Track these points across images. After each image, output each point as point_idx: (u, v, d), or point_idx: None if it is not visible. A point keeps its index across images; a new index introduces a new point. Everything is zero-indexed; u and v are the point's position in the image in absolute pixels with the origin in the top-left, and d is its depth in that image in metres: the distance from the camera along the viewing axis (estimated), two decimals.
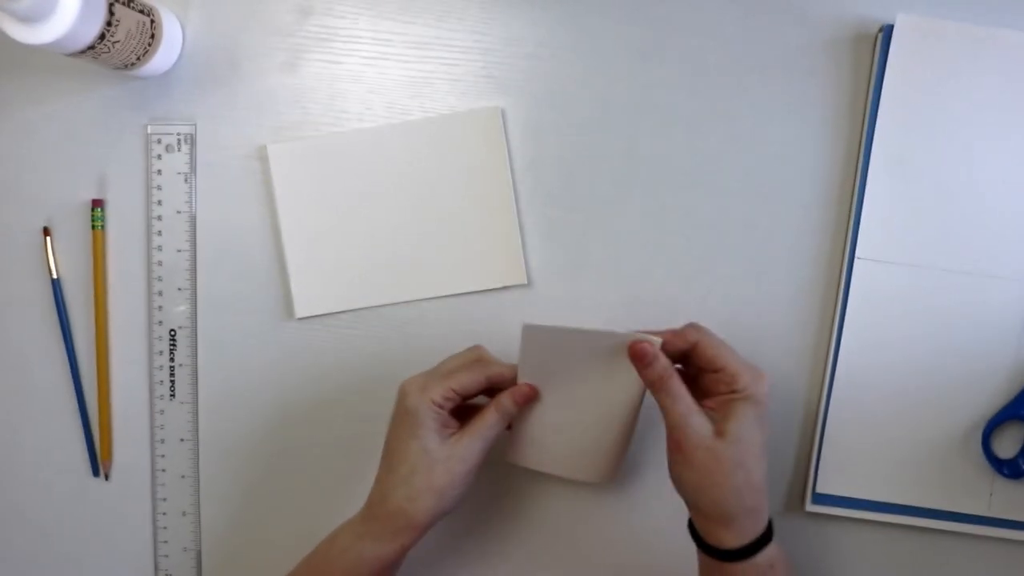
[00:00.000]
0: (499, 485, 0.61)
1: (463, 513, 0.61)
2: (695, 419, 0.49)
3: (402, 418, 0.52)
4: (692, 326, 0.52)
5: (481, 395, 0.54)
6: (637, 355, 0.49)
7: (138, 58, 0.57)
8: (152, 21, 0.57)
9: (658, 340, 0.50)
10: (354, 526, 0.53)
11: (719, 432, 0.49)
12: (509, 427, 0.55)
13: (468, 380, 0.52)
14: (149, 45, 0.57)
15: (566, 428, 0.54)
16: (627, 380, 0.51)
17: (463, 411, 0.54)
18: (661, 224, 0.60)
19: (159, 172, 0.62)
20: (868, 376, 0.58)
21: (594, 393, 0.52)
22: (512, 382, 0.53)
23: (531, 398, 0.53)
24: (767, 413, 0.50)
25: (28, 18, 0.49)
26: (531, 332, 0.51)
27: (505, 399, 0.53)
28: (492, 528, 0.62)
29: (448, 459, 0.51)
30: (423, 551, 0.58)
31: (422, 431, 0.51)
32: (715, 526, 0.50)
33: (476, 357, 0.54)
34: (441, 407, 0.51)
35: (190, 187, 0.61)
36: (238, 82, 0.61)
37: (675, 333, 0.52)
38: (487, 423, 0.52)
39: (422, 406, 0.51)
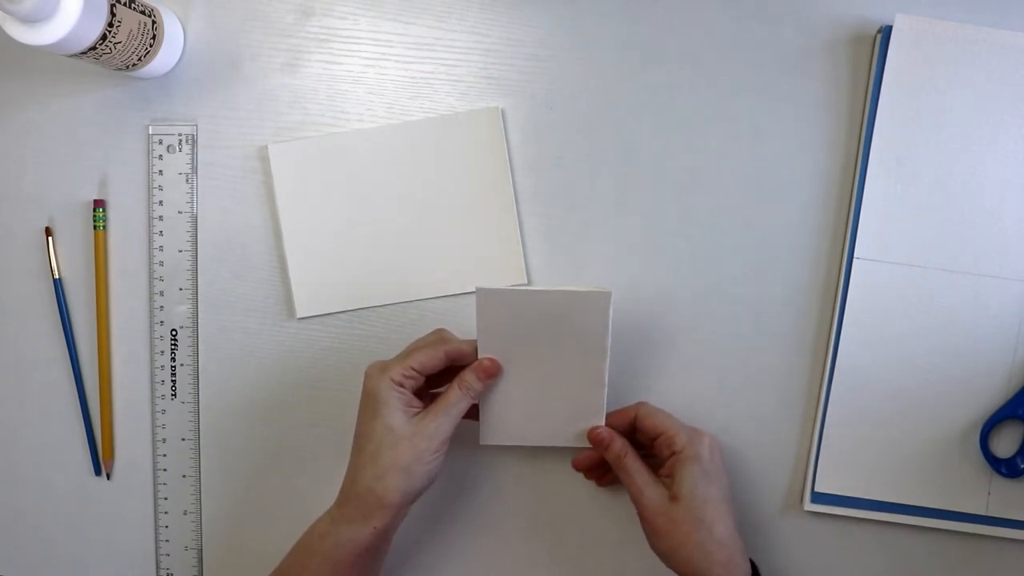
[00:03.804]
0: (483, 476, 0.61)
1: (450, 505, 0.61)
2: (650, 490, 0.54)
3: (366, 401, 0.53)
4: (628, 409, 0.57)
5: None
6: (596, 440, 0.56)
7: (139, 59, 0.57)
8: (153, 22, 0.57)
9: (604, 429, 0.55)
10: (330, 512, 0.54)
11: (673, 497, 0.53)
12: (475, 410, 0.56)
13: (425, 357, 0.53)
14: (150, 46, 0.57)
15: (541, 395, 0.55)
16: (593, 332, 0.53)
17: (432, 398, 0.54)
18: (661, 224, 0.60)
19: (160, 172, 0.62)
20: (867, 375, 0.58)
21: (561, 352, 0.54)
22: (474, 358, 0.54)
23: (493, 372, 0.54)
24: (717, 468, 0.55)
25: (30, 19, 0.49)
26: (486, 296, 0.52)
27: (467, 374, 0.54)
28: (484, 521, 0.62)
29: (413, 436, 0.52)
30: (412, 546, 0.59)
31: (385, 410, 0.52)
32: None
33: (437, 338, 0.55)
34: (401, 385, 0.52)
35: (191, 187, 0.62)
36: (239, 83, 0.61)
37: (620, 410, 0.57)
38: (450, 400, 0.53)
39: (382, 385, 0.52)
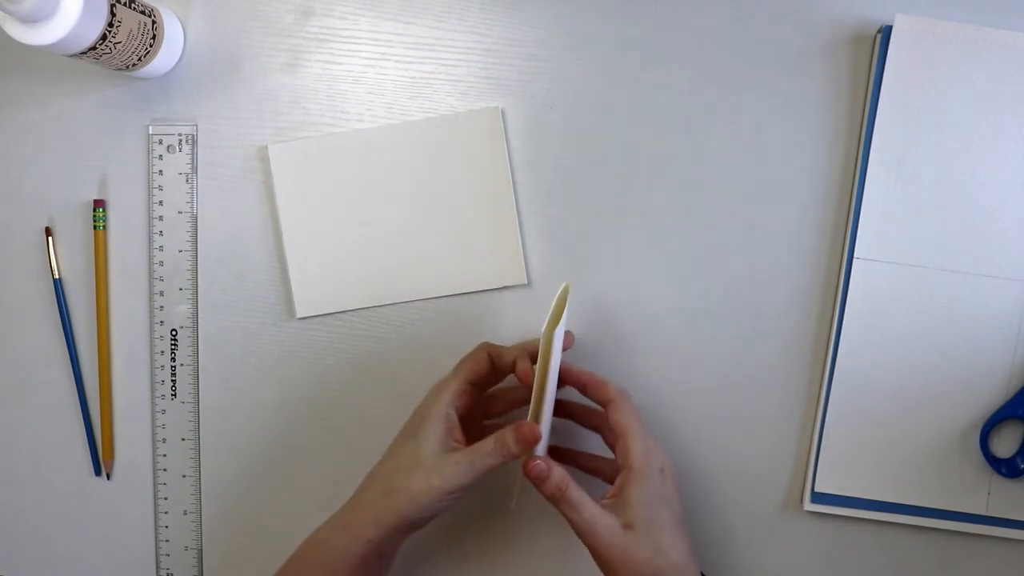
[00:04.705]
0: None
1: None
2: (600, 521, 0.49)
3: (414, 416, 0.53)
4: (619, 389, 0.53)
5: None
6: (532, 474, 0.50)
7: (139, 59, 0.57)
8: (153, 22, 0.57)
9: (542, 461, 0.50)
10: (333, 518, 0.53)
11: (626, 525, 0.49)
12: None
13: (472, 363, 0.53)
14: (150, 46, 0.57)
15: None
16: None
17: (481, 433, 0.52)
18: (661, 224, 0.60)
19: (160, 172, 0.62)
20: (867, 375, 0.58)
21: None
22: (507, 363, 0.53)
23: (532, 440, 0.50)
24: (670, 488, 0.51)
25: (30, 19, 0.49)
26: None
27: (508, 434, 0.50)
28: (485, 521, 0.62)
29: (431, 469, 0.50)
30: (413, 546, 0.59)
31: (422, 433, 0.51)
32: None
33: (480, 345, 0.55)
34: (454, 405, 0.52)
35: (191, 187, 0.62)
36: (239, 83, 0.61)
37: (599, 383, 0.53)
38: (482, 451, 0.50)
39: (433, 409, 0.52)
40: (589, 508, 0.49)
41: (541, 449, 0.51)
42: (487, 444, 0.50)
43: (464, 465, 0.50)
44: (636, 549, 0.49)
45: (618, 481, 0.51)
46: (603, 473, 0.57)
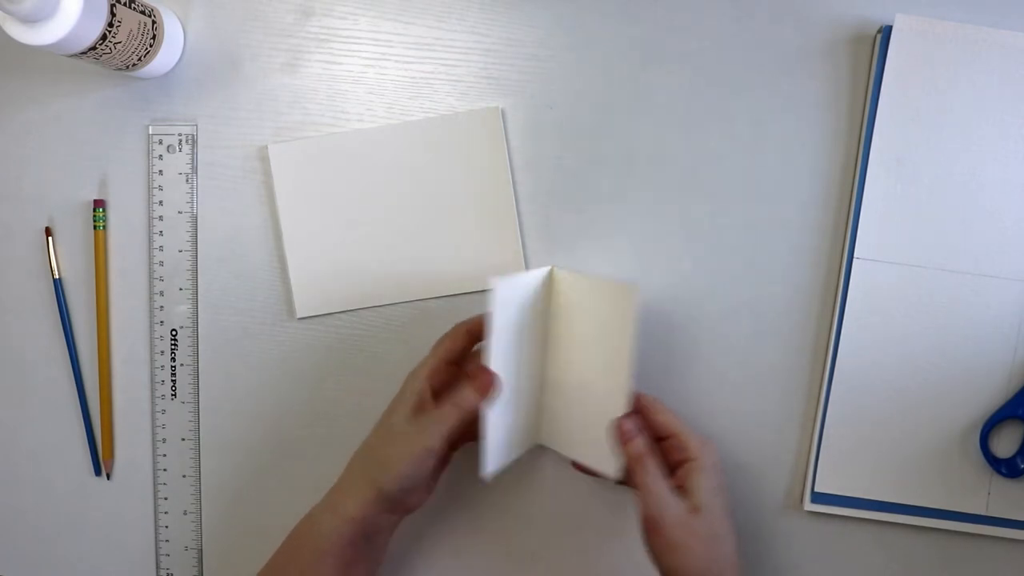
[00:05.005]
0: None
1: (451, 506, 0.61)
2: (670, 498, 0.50)
3: (393, 400, 0.54)
4: (644, 395, 0.54)
5: None
6: (621, 429, 0.52)
7: (139, 59, 0.57)
8: (153, 22, 0.57)
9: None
10: (323, 498, 0.54)
11: (692, 508, 0.50)
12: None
13: (448, 342, 0.54)
14: (150, 46, 0.57)
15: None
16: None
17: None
18: (661, 224, 0.60)
19: (160, 172, 0.62)
20: (867, 375, 0.58)
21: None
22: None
23: (489, 385, 0.51)
24: (722, 480, 0.53)
25: (30, 19, 0.49)
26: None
27: (466, 387, 0.51)
28: (486, 522, 0.62)
29: (400, 434, 0.52)
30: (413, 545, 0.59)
31: (397, 407, 0.53)
32: None
33: (458, 326, 0.56)
34: (432, 378, 0.53)
35: (191, 187, 0.62)
36: (239, 83, 0.61)
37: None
38: (443, 408, 0.51)
39: (408, 385, 0.53)
40: (663, 483, 0.51)
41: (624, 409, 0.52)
42: (448, 401, 0.51)
43: (430, 424, 0.51)
44: (700, 533, 0.50)
45: (682, 470, 0.52)
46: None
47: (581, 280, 0.54)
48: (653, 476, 0.51)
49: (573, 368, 0.55)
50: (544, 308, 0.55)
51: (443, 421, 0.51)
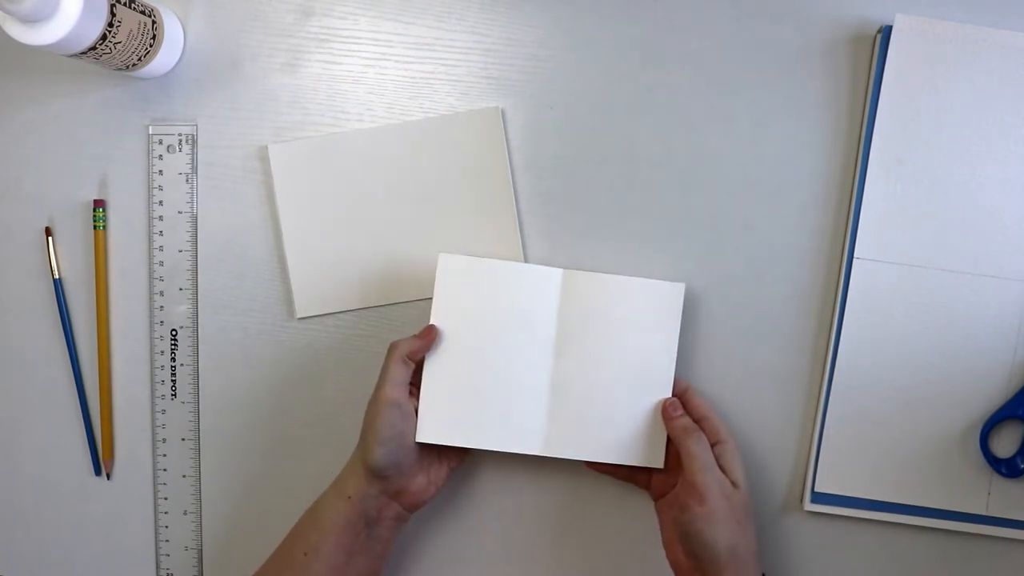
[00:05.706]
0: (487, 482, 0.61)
1: (451, 504, 0.61)
2: (717, 469, 0.53)
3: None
4: (680, 379, 0.57)
5: None
6: (668, 410, 0.55)
7: (139, 59, 0.57)
8: (153, 22, 0.57)
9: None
10: (331, 485, 0.56)
11: (734, 483, 0.53)
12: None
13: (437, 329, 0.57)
14: (150, 46, 0.57)
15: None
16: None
17: None
18: (661, 224, 0.60)
19: (160, 172, 0.62)
20: (867, 375, 0.58)
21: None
22: None
23: (430, 331, 0.56)
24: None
25: (30, 19, 0.49)
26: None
27: (407, 338, 0.55)
28: (487, 522, 0.62)
29: (372, 400, 0.54)
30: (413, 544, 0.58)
31: (383, 385, 0.54)
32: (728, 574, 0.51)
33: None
34: (410, 358, 0.55)
35: (191, 187, 0.62)
36: (239, 83, 0.61)
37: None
38: (386, 362, 0.55)
39: (387, 362, 0.55)
40: (711, 454, 0.54)
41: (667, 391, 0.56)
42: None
43: (383, 381, 0.54)
44: (737, 508, 0.52)
45: (715, 451, 0.54)
46: (640, 480, 0.58)
47: (613, 282, 0.57)
48: (704, 446, 0.53)
49: (600, 368, 0.56)
50: (553, 309, 0.56)
51: (388, 368, 0.54)
